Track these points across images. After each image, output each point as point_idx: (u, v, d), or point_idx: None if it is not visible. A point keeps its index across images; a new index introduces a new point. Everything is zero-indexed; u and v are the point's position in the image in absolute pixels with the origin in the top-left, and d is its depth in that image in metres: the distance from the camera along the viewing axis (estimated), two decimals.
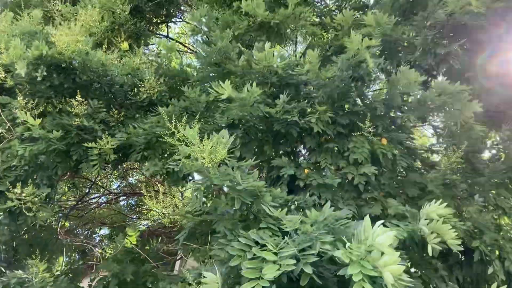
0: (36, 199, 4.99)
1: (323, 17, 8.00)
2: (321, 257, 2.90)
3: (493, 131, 6.13)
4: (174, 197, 5.32)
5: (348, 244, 2.73)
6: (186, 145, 3.69)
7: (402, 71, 4.81)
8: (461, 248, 3.54)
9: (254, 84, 4.56)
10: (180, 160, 3.81)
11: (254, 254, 2.95)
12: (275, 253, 2.88)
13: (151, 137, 5.19)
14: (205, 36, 6.27)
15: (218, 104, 5.21)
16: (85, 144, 5.10)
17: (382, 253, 2.54)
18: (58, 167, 5.50)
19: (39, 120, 4.99)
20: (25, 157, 5.08)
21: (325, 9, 8.63)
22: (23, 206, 4.87)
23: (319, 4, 9.29)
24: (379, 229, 2.65)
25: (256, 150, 5.39)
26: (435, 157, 6.20)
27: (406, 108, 5.17)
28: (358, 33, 4.89)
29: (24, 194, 4.86)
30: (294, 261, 2.77)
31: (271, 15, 6.15)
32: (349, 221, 3.26)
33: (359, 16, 7.59)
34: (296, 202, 4.20)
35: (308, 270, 2.74)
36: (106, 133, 5.29)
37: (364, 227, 2.75)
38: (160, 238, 10.06)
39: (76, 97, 5.30)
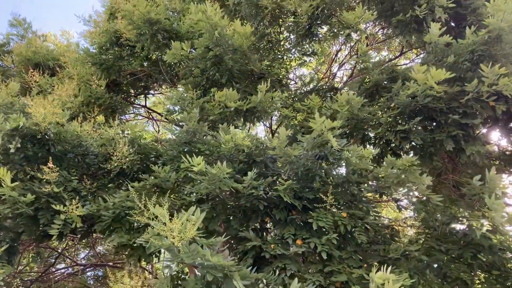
0: None
1: (295, 98, 8.50)
2: None
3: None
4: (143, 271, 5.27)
5: None
6: (155, 223, 3.75)
7: (353, 149, 5.12)
8: None
9: (225, 163, 4.79)
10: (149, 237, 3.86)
11: None
12: None
13: (120, 211, 5.25)
14: (177, 117, 6.58)
15: (187, 179, 5.36)
16: (54, 206, 5.07)
17: None
18: (23, 230, 5.41)
19: (14, 183, 4.97)
20: None
21: (297, 91, 9.17)
22: None
23: (292, 85, 9.91)
24: None
25: (224, 224, 5.52)
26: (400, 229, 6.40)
27: (363, 183, 5.42)
28: (327, 112, 5.24)
29: None
30: None
31: (243, 103, 6.54)
32: None
33: (329, 96, 8.13)
34: (264, 280, 4.27)
35: None
36: (75, 201, 5.28)
37: None
38: None
39: (48, 163, 5.34)
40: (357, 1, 7.53)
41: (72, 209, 5.14)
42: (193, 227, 3.71)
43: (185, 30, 7.81)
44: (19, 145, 5.30)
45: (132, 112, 12.07)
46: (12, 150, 5.23)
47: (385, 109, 6.39)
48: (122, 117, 9.72)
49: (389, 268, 3.67)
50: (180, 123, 6.32)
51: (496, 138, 7.62)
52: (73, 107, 7.10)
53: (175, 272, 4.48)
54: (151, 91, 11.56)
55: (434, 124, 6.26)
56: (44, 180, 5.44)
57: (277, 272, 4.66)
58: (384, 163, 5.18)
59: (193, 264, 3.87)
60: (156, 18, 7.52)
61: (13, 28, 10.01)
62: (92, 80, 8.06)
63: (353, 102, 6.02)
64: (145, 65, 9.40)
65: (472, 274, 5.46)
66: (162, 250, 5.52)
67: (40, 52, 8.97)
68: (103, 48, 8.81)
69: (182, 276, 5.34)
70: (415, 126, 5.90)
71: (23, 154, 5.62)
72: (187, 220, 3.75)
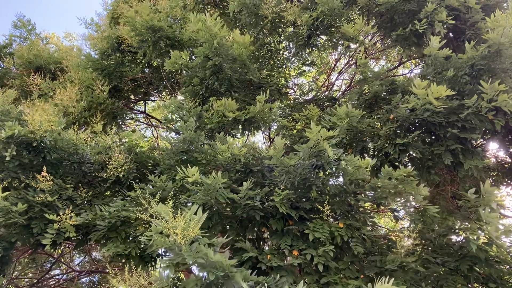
0: None
1: (294, 108, 8.51)
2: None
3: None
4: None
5: None
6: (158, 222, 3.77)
7: (350, 159, 5.10)
8: None
9: (219, 173, 4.78)
10: (151, 236, 3.86)
11: None
12: None
13: (116, 220, 5.22)
14: (175, 125, 6.59)
15: (184, 189, 5.36)
16: (46, 216, 5.01)
17: None
18: (16, 239, 5.36)
19: (7, 193, 4.98)
20: None
21: (296, 101, 9.17)
22: None
23: (291, 93, 9.90)
24: None
25: (221, 234, 5.51)
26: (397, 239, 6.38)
27: (360, 193, 5.42)
28: (326, 125, 5.25)
29: None
30: None
31: (241, 113, 6.55)
32: None
33: (328, 106, 8.12)
34: (266, 284, 4.27)
35: None
36: (69, 209, 5.23)
37: None
38: None
39: (42, 172, 5.31)
40: (357, 13, 7.53)
41: (66, 218, 5.10)
42: (196, 226, 3.72)
43: (187, 38, 7.82)
44: (14, 153, 5.26)
45: (132, 117, 12.05)
46: (7, 158, 5.20)
47: (384, 121, 6.39)
48: (122, 123, 9.70)
49: (387, 279, 3.66)
50: (179, 131, 6.33)
51: (494, 149, 7.62)
52: (75, 112, 7.09)
53: (170, 280, 4.47)
54: (151, 97, 11.56)
55: (433, 137, 6.27)
56: (39, 189, 5.40)
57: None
58: (381, 173, 5.18)
59: (194, 264, 3.87)
60: (159, 25, 7.53)
61: (17, 30, 9.99)
62: (95, 85, 8.05)
63: (352, 114, 6.03)
64: (146, 71, 9.41)
65: (469, 286, 5.45)
66: (158, 260, 5.52)
67: (42, 55, 8.97)
68: (105, 54, 8.84)
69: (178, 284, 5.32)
70: (414, 139, 5.90)
71: (18, 161, 5.57)
72: (190, 219, 3.77)
